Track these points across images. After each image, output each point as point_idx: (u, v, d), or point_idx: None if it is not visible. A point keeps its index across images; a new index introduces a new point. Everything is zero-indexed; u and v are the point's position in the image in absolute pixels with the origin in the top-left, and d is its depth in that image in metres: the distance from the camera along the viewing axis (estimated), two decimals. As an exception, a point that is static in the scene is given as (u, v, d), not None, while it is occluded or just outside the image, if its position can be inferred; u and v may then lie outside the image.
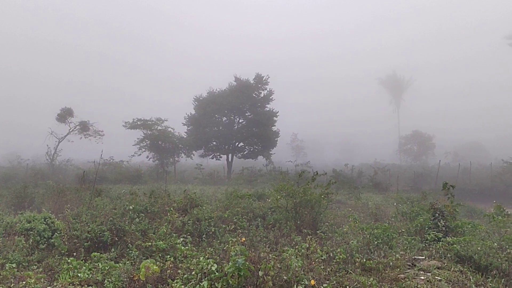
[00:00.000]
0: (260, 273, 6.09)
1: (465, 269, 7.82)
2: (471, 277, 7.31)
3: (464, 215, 12.92)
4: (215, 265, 6.10)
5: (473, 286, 6.87)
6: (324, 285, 6.31)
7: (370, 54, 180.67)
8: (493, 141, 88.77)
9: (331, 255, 8.25)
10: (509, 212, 12.46)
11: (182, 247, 8.15)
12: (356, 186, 25.16)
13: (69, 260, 7.39)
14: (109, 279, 6.65)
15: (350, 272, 7.41)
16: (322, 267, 7.41)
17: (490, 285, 7.01)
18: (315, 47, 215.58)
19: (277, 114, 42.91)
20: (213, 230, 10.64)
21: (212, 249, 8.77)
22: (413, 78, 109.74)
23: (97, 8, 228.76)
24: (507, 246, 8.74)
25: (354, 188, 23.69)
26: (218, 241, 9.84)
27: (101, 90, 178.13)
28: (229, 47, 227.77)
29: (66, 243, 9.14)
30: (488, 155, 70.32)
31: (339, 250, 8.36)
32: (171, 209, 11.55)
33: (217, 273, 5.92)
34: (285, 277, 6.26)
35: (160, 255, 8.40)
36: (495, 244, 8.85)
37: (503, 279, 7.28)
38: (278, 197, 12.69)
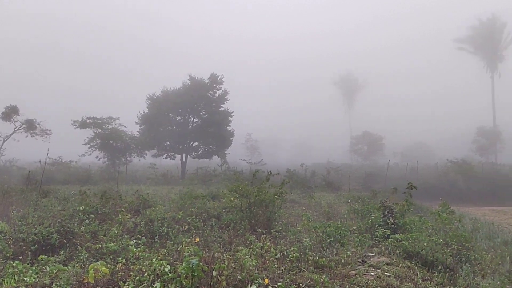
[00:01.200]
0: (214, 273, 6.05)
1: (413, 264, 8.12)
2: (418, 272, 7.60)
3: (411, 213, 13.41)
4: (168, 266, 5.99)
5: (420, 281, 7.15)
6: (278, 283, 6.36)
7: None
8: (438, 143, 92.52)
9: (285, 253, 8.31)
10: (453, 209, 13.09)
11: (134, 249, 7.96)
12: (309, 185, 25.52)
13: (14, 264, 7.01)
14: (57, 283, 6.38)
15: (303, 270, 7.50)
16: (276, 265, 7.45)
17: (436, 280, 7.31)
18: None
19: (232, 114, 42.86)
20: (166, 231, 10.45)
21: (165, 250, 8.60)
22: (366, 80, 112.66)
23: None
24: (451, 242, 9.17)
25: (307, 188, 24.04)
26: (172, 242, 9.67)
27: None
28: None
29: (12, 246, 8.69)
30: (433, 156, 73.27)
31: (292, 248, 8.46)
32: (123, 210, 11.27)
33: (170, 274, 5.82)
34: (239, 277, 6.25)
35: (111, 257, 8.16)
36: (441, 240, 9.27)
37: (447, 274, 7.63)
38: (232, 198, 12.67)
